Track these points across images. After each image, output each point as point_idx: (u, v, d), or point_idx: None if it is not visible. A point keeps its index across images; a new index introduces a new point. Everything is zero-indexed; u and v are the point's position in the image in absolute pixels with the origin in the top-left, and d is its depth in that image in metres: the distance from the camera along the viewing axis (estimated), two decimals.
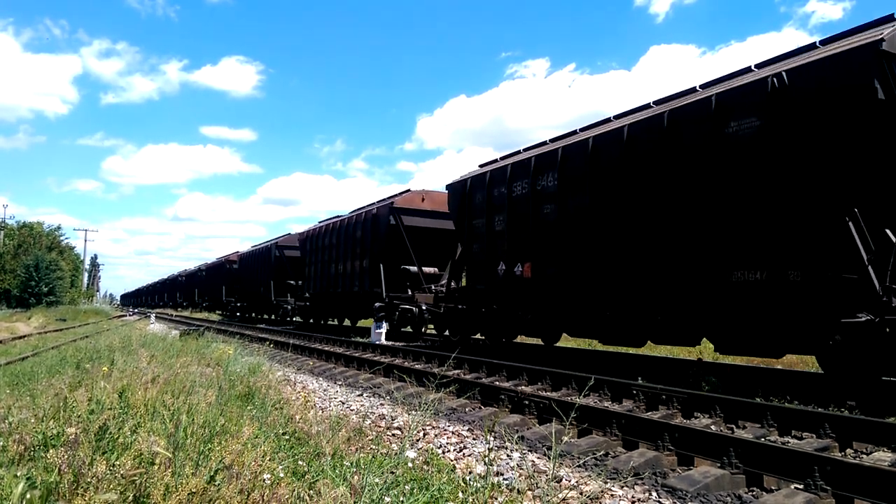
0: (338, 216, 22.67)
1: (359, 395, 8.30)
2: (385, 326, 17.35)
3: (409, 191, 18.44)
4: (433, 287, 15.74)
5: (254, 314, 35.52)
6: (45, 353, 12.56)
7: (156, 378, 4.79)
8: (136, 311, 63.94)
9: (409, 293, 16.88)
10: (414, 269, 17.26)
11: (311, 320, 26.10)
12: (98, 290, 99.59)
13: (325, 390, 8.74)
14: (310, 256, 23.92)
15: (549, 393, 7.79)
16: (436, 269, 17.34)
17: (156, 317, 36.38)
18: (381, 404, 7.42)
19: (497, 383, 8.36)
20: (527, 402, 6.60)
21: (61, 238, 63.09)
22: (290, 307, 27.32)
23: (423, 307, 15.88)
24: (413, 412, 6.21)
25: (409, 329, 17.85)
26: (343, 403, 7.54)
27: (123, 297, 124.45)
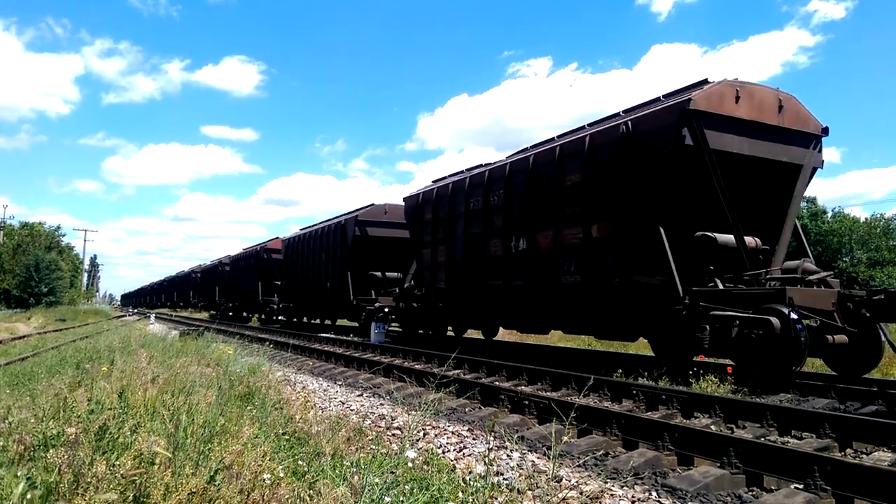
0: (476, 166, 13.82)
1: (359, 396, 8.30)
2: (384, 327, 16.80)
3: (706, 81, 9.38)
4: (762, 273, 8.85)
5: (306, 318, 27.32)
6: (44, 353, 12.55)
7: (155, 378, 4.79)
8: (135, 311, 63.60)
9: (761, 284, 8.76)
10: (726, 238, 9.11)
11: (447, 331, 16.27)
12: (98, 291, 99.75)
13: (325, 390, 8.74)
14: (433, 230, 15.03)
15: (548, 393, 7.79)
16: (757, 241, 9.32)
17: (155, 317, 36.33)
18: (381, 404, 7.42)
19: (497, 383, 8.36)
20: (527, 402, 6.60)
21: (61, 238, 63.21)
22: (382, 308, 17.53)
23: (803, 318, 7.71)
24: (413, 412, 6.21)
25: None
26: (343, 403, 7.54)
27: (124, 297, 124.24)
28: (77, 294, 64.41)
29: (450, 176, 15.31)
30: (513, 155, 13.06)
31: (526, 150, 12.76)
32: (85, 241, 73.55)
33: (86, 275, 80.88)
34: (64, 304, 49.91)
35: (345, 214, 21.76)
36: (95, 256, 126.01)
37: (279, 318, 29.64)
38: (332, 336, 17.67)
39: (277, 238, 30.44)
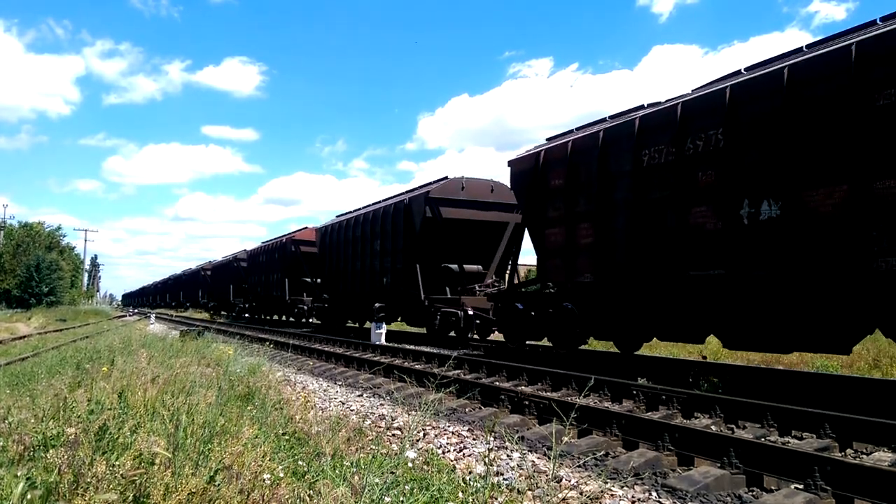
0: (638, 107, 9.76)
1: (359, 396, 8.30)
2: (384, 327, 16.76)
3: None
4: None
5: (349, 320, 22.63)
6: (44, 353, 12.56)
7: (155, 378, 4.79)
8: (136, 311, 63.41)
9: None
10: None
11: (580, 342, 10.81)
12: (98, 291, 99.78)
13: (325, 390, 8.74)
14: (568, 200, 10.65)
15: (549, 393, 7.79)
16: None
17: (156, 317, 36.29)
18: (382, 404, 7.42)
19: (497, 383, 8.35)
20: (527, 403, 6.60)
21: (61, 238, 63.30)
22: (462, 310, 14.16)
23: None
24: (413, 412, 6.21)
25: None
26: (343, 404, 7.54)
27: (125, 297, 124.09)
28: (77, 294, 64.55)
29: (581, 128, 11.00)
30: (726, 77, 8.40)
31: (738, 73, 8.28)
32: (85, 240, 73.71)
33: (86, 275, 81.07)
34: (64, 304, 50.03)
35: (408, 192, 17.48)
36: (96, 256, 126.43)
37: (310, 320, 25.83)
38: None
39: (307, 227, 26.01)
